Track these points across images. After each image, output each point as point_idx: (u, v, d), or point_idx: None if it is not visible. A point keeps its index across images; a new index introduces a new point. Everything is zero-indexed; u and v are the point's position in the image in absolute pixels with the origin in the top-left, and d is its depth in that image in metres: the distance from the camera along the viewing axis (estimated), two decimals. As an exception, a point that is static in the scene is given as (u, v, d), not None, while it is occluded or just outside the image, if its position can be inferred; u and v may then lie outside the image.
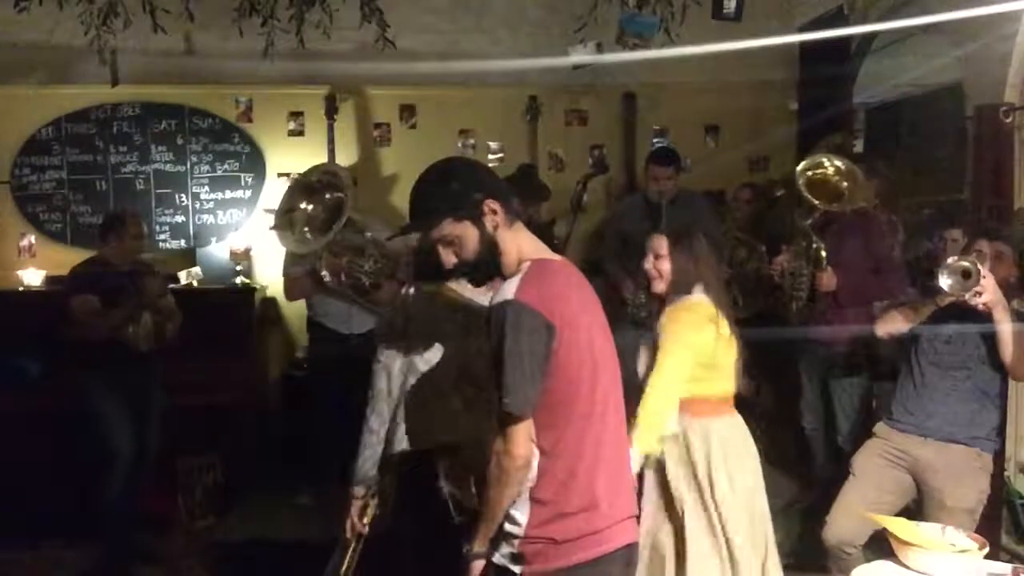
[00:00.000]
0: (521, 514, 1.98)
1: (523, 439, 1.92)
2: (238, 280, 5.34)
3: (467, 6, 5.46)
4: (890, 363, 3.88)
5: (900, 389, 3.31)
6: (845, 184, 3.99)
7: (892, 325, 3.28)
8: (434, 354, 2.49)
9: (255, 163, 5.57)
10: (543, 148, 5.61)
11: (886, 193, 4.56)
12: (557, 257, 2.11)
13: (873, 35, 4.86)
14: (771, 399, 4.75)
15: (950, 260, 2.97)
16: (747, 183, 5.25)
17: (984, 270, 2.94)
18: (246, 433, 4.96)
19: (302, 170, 5.31)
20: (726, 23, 4.39)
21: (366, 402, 2.64)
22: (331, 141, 5.20)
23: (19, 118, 5.43)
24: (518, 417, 1.91)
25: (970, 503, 3.10)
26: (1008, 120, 3.97)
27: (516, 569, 1.99)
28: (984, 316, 2.99)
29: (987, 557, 2.57)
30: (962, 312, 3.03)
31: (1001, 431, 3.29)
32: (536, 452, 1.96)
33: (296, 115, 5.57)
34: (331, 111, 5.26)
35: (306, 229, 4.25)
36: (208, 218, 5.57)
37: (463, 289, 2.40)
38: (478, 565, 2.03)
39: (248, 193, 5.58)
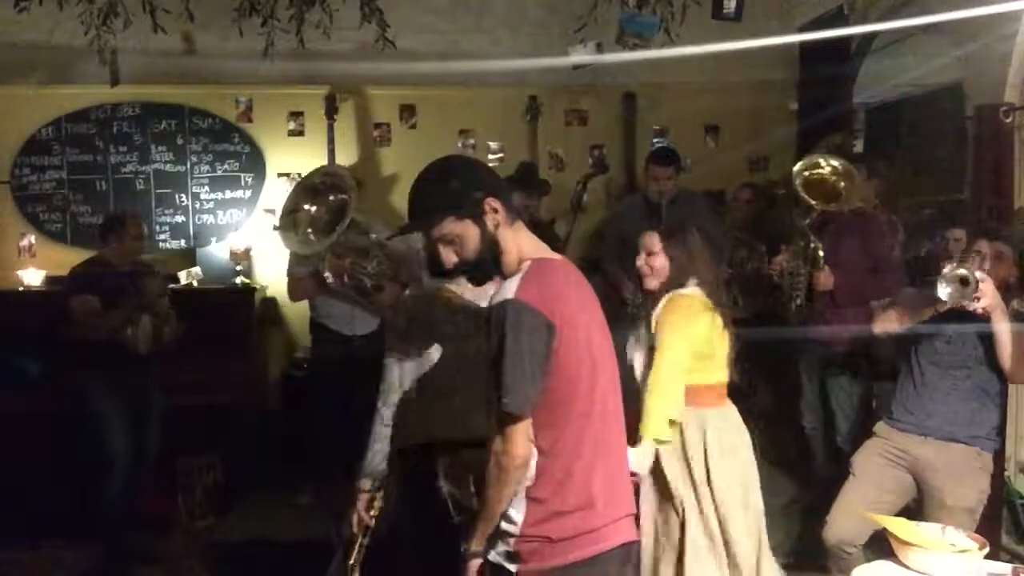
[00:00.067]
0: (517, 513, 1.98)
1: (522, 439, 1.92)
2: (238, 280, 5.34)
3: (467, 6, 5.46)
4: (889, 363, 3.89)
5: (900, 388, 3.31)
6: (842, 184, 4.00)
7: (890, 324, 3.28)
8: (437, 353, 2.50)
9: (255, 163, 5.57)
10: (543, 148, 5.60)
11: (886, 193, 4.56)
12: (557, 256, 2.11)
13: (873, 35, 4.86)
14: (770, 399, 4.76)
15: (946, 270, 2.97)
16: (747, 183, 5.24)
17: (982, 274, 2.94)
18: (246, 433, 4.96)
19: (302, 170, 5.34)
20: (726, 23, 4.39)
21: (367, 403, 2.66)
22: (331, 141, 5.20)
23: (19, 118, 5.42)
24: (517, 416, 1.90)
25: (970, 502, 3.10)
26: (1008, 120, 3.97)
27: (512, 567, 1.99)
28: (983, 318, 3.00)
29: (987, 557, 2.57)
30: (961, 313, 3.02)
31: (1001, 430, 3.30)
32: (534, 451, 1.95)
33: (296, 115, 5.57)
34: (331, 111, 5.26)
35: (309, 230, 4.25)
36: (208, 218, 5.57)
37: (464, 290, 2.40)
38: (475, 564, 2.03)
39: (248, 193, 5.58)
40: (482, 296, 2.22)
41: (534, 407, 1.92)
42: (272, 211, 5.51)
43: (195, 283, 4.98)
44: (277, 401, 5.41)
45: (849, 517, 3.18)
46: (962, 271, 2.93)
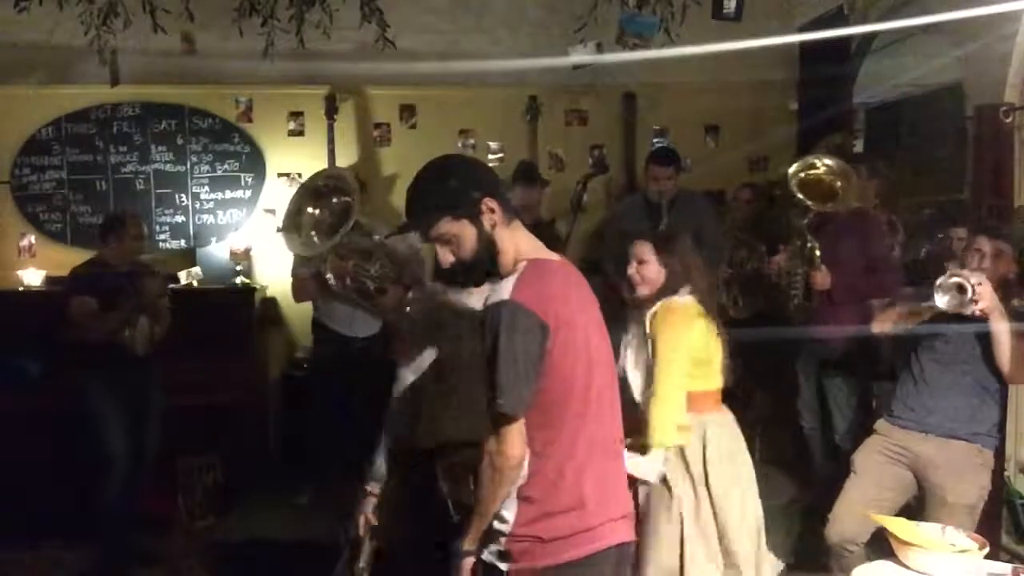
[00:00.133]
0: (509, 512, 1.98)
1: (516, 439, 1.92)
2: (238, 280, 5.34)
3: (467, 6, 5.46)
4: (887, 362, 3.90)
5: (900, 385, 3.32)
6: (838, 184, 4.01)
7: (889, 324, 3.28)
8: (432, 355, 2.51)
9: (255, 163, 5.57)
10: (543, 148, 5.60)
11: (886, 193, 4.57)
12: (555, 256, 2.11)
13: (873, 35, 4.86)
14: (769, 400, 4.76)
15: (940, 280, 2.98)
16: (747, 183, 5.24)
17: (980, 276, 2.94)
18: (246, 433, 4.96)
19: (302, 170, 5.37)
20: (726, 23, 4.39)
21: (366, 404, 2.67)
22: (331, 141, 5.20)
23: (19, 118, 5.42)
24: (511, 417, 1.91)
25: (971, 499, 3.11)
26: (1008, 120, 3.97)
27: (503, 567, 1.99)
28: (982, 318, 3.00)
29: (987, 557, 2.57)
30: (960, 314, 3.03)
31: (1002, 427, 3.30)
32: (527, 451, 1.96)
33: (296, 115, 5.57)
34: (331, 111, 5.26)
35: (313, 233, 4.27)
36: (208, 218, 5.57)
37: (470, 296, 2.40)
38: (468, 562, 2.03)
39: (248, 193, 5.58)
40: (476, 301, 2.23)
41: (528, 408, 1.92)
42: (272, 211, 5.52)
43: (195, 283, 4.99)
44: (277, 401, 5.41)
45: (851, 515, 3.18)
46: (957, 279, 2.94)
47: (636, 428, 2.74)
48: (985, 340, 3.07)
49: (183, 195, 5.55)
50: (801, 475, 4.47)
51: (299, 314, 5.29)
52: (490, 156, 5.59)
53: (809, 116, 5.16)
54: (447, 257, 2.04)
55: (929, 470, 3.16)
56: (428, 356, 2.52)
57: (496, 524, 2.00)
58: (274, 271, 5.45)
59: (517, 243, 2.05)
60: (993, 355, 3.06)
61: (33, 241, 5.47)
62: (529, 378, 1.90)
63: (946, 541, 2.62)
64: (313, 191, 4.36)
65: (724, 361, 2.92)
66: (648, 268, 2.90)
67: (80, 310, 4.02)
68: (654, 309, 2.87)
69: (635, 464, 2.66)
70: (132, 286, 4.10)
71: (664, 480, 2.84)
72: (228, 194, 5.57)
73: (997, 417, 3.20)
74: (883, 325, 3.31)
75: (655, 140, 5.63)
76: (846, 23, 4.77)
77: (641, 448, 2.73)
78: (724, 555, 2.84)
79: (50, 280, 5.15)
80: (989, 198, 4.06)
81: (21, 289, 5.21)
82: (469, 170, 2.09)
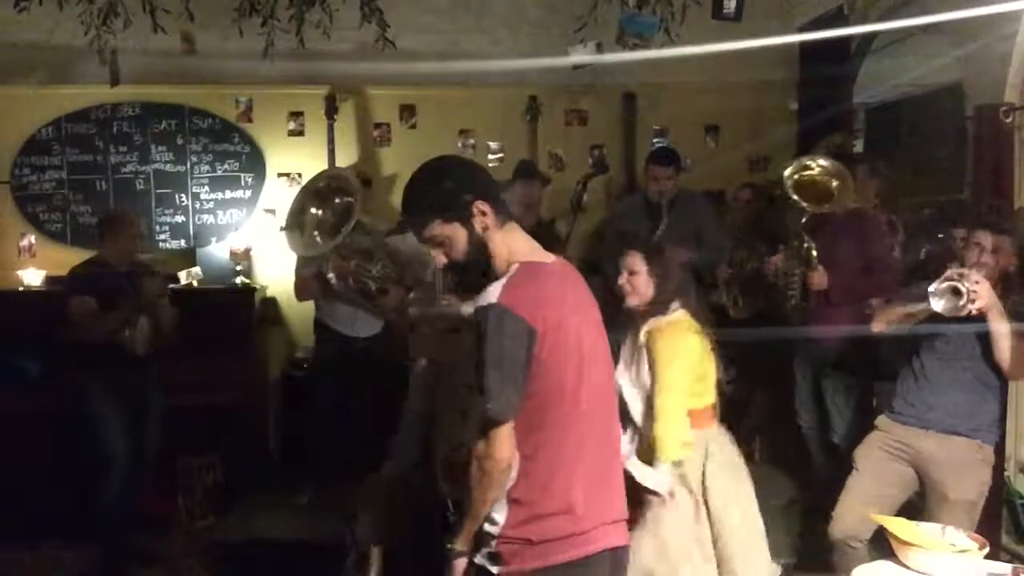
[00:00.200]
0: (499, 514, 1.99)
1: (505, 442, 1.92)
2: (238, 280, 5.34)
3: (467, 6, 5.46)
4: (885, 362, 3.90)
5: (901, 381, 3.32)
6: (834, 184, 4.02)
7: (888, 323, 3.29)
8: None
9: (255, 163, 5.57)
10: (543, 148, 5.60)
11: (886, 193, 4.57)
12: (551, 258, 2.10)
13: (873, 35, 4.85)
14: (768, 402, 4.77)
15: (932, 287, 2.98)
16: (747, 183, 5.24)
17: (977, 275, 2.94)
18: (246, 433, 4.96)
19: (302, 170, 5.38)
20: (726, 23, 4.39)
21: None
22: (331, 141, 5.20)
23: (19, 118, 5.42)
24: (499, 420, 1.91)
25: (972, 495, 3.12)
26: (1008, 120, 3.97)
27: (494, 569, 1.99)
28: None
29: (987, 557, 2.57)
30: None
31: (1002, 422, 3.31)
32: (516, 453, 1.96)
33: (296, 115, 5.57)
34: (331, 111, 5.26)
35: (316, 233, 4.27)
36: (208, 218, 5.57)
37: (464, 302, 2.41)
38: (460, 563, 2.04)
39: (248, 193, 5.57)
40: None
41: (516, 411, 1.92)
42: (272, 211, 5.52)
43: (195, 283, 4.98)
44: (277, 401, 5.41)
45: (853, 511, 3.20)
46: (951, 283, 2.94)
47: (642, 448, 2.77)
48: (985, 337, 3.06)
49: (183, 195, 5.55)
50: (801, 475, 4.47)
51: (299, 314, 5.29)
52: (490, 156, 5.59)
53: (809, 116, 5.16)
54: (440, 258, 2.06)
55: (930, 466, 3.16)
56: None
57: (487, 526, 2.00)
58: (274, 271, 5.45)
59: (511, 245, 2.05)
60: (993, 351, 3.06)
61: (33, 241, 5.47)
62: (516, 382, 1.91)
63: (946, 541, 2.62)
64: (316, 191, 4.37)
65: (718, 377, 2.93)
66: (638, 279, 2.90)
67: (80, 310, 4.02)
68: (648, 328, 2.87)
69: (646, 476, 2.66)
70: (132, 286, 4.10)
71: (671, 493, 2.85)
72: (228, 194, 5.57)
73: (997, 413, 3.21)
74: (882, 324, 3.31)
75: (655, 140, 5.63)
76: (846, 23, 4.77)
77: (648, 465, 2.75)
78: (722, 564, 2.85)
79: (50, 280, 5.15)
80: (989, 198, 4.06)
81: (21, 289, 5.21)
82: (461, 173, 2.09)
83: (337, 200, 4.33)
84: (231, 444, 4.83)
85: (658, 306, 2.89)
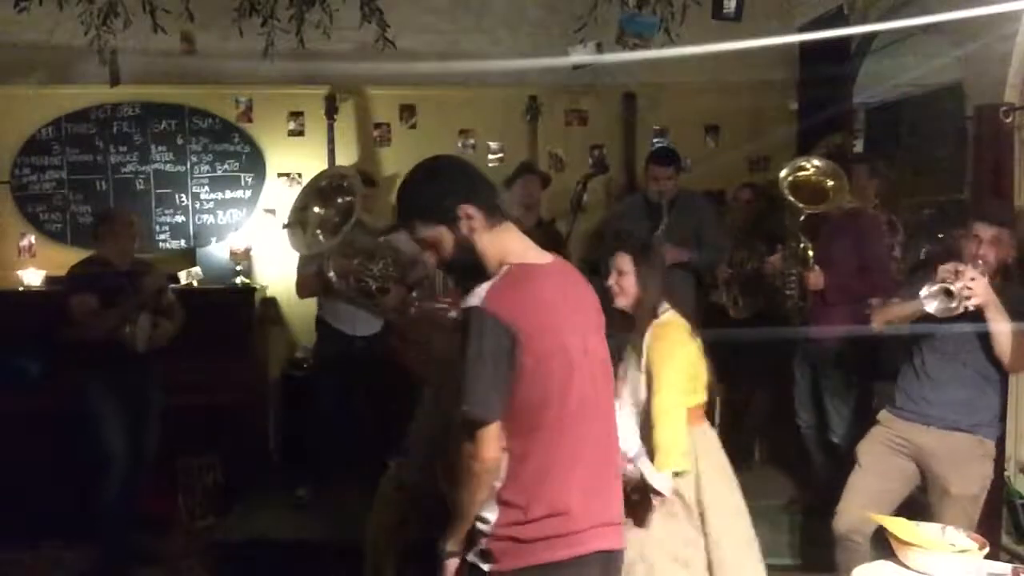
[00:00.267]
0: (490, 513, 1.99)
1: (490, 443, 1.93)
2: (238, 280, 5.34)
3: (467, 6, 5.46)
4: (882, 360, 3.91)
5: (902, 377, 3.33)
6: (829, 183, 4.03)
7: (888, 321, 3.29)
8: None
9: (255, 163, 5.57)
10: (543, 148, 5.60)
11: (886, 193, 4.57)
12: (549, 258, 2.09)
13: (873, 35, 4.85)
14: (768, 401, 4.77)
15: (923, 291, 2.98)
16: (747, 183, 5.24)
17: (973, 272, 2.94)
18: (246, 433, 4.96)
19: (302, 170, 5.39)
20: (726, 23, 4.39)
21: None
22: (331, 141, 5.21)
23: (19, 118, 5.42)
24: (482, 421, 1.92)
25: (974, 489, 3.13)
26: (1008, 120, 3.96)
27: (485, 567, 2.00)
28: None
29: (987, 557, 2.57)
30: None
31: (1003, 416, 3.32)
32: (506, 455, 1.96)
33: (296, 115, 5.57)
34: (331, 111, 5.27)
35: (319, 231, 4.28)
36: (208, 218, 5.57)
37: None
38: (452, 563, 2.05)
39: (248, 193, 5.57)
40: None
41: (499, 412, 1.92)
42: (272, 211, 5.52)
43: (195, 283, 4.98)
44: (277, 401, 5.41)
45: (856, 506, 3.20)
46: (943, 284, 2.94)
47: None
48: (985, 333, 3.06)
49: (183, 195, 5.55)
50: (801, 475, 4.47)
51: (299, 314, 5.29)
52: (490, 156, 5.59)
53: (809, 116, 5.15)
54: (432, 259, 2.10)
55: (931, 461, 3.18)
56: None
57: (478, 525, 2.01)
58: (274, 271, 5.45)
59: (503, 246, 2.04)
60: (993, 346, 3.06)
61: (33, 241, 5.47)
62: (496, 384, 1.91)
63: (946, 541, 2.62)
64: (319, 190, 4.37)
65: (709, 377, 2.94)
66: (627, 279, 2.91)
67: (81, 308, 4.02)
68: (648, 338, 2.86)
69: (654, 476, 2.66)
70: (131, 284, 4.10)
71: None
72: (228, 194, 5.57)
73: (999, 407, 3.23)
74: (881, 323, 3.31)
75: (655, 140, 5.63)
76: (846, 23, 4.77)
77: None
78: (714, 567, 2.85)
79: (50, 280, 5.15)
80: (989, 198, 4.06)
81: (21, 289, 5.21)
82: (449, 176, 2.09)
83: (340, 200, 4.33)
84: (231, 444, 4.83)
85: (648, 309, 2.88)
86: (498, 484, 1.97)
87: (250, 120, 5.57)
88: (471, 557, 2.03)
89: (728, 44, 4.04)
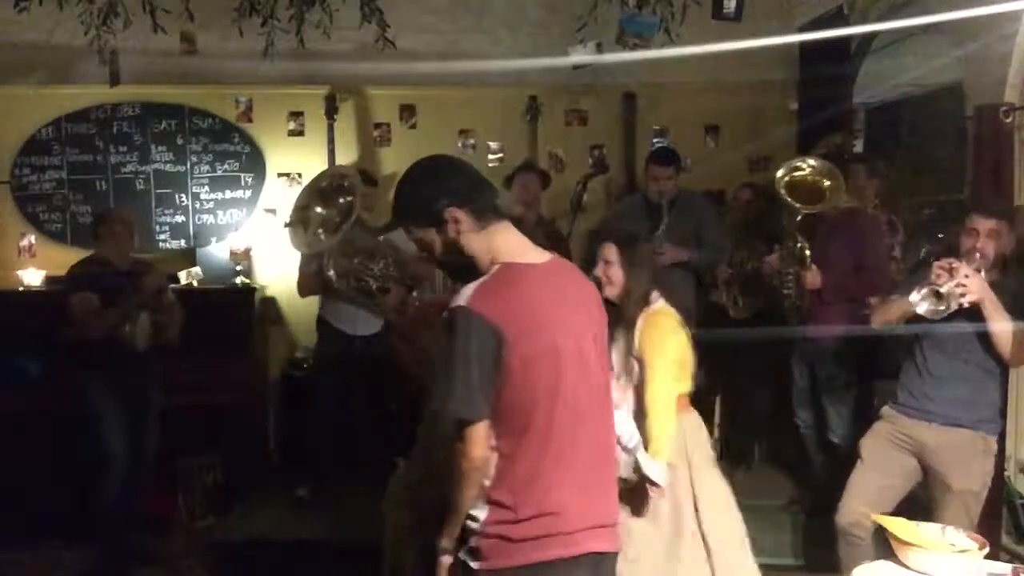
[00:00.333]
0: (480, 512, 1.99)
1: (477, 442, 1.93)
2: (238, 280, 5.34)
3: (467, 6, 5.46)
4: (881, 359, 3.91)
5: (904, 373, 3.34)
6: (826, 183, 4.04)
7: (887, 319, 3.29)
8: None
9: (255, 163, 5.57)
10: (543, 148, 5.60)
11: (886, 193, 4.57)
12: (546, 257, 2.09)
13: (873, 35, 4.85)
14: (767, 401, 4.77)
15: (913, 295, 2.98)
16: (747, 183, 5.24)
17: (967, 269, 2.94)
18: (246, 433, 4.96)
19: (302, 170, 5.39)
20: (726, 23, 4.39)
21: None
22: (331, 141, 5.21)
23: (19, 118, 5.42)
24: (468, 421, 1.92)
25: (975, 485, 3.14)
26: (1008, 120, 3.97)
27: (474, 565, 2.00)
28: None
29: (987, 557, 2.57)
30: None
31: (1004, 412, 3.32)
32: (495, 454, 1.97)
33: (296, 115, 5.57)
34: (331, 111, 5.27)
35: (320, 231, 4.28)
36: (208, 218, 5.57)
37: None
38: (445, 560, 2.05)
39: (248, 193, 5.58)
40: None
41: (484, 412, 1.93)
42: (272, 211, 5.52)
43: (195, 283, 4.98)
44: (277, 401, 5.41)
45: (859, 500, 3.21)
46: (934, 286, 2.95)
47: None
48: (985, 328, 3.06)
49: (183, 195, 5.55)
50: (801, 474, 4.48)
51: (299, 314, 5.29)
52: (490, 156, 5.60)
53: (809, 116, 5.16)
54: (427, 259, 2.16)
55: (933, 458, 3.18)
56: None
57: (469, 523, 2.01)
58: (274, 271, 5.45)
59: (494, 246, 2.04)
60: (993, 340, 3.06)
61: (33, 241, 5.47)
62: (481, 384, 1.91)
63: (946, 541, 2.62)
64: (320, 190, 4.38)
65: (693, 370, 2.95)
66: (613, 269, 2.92)
67: (82, 307, 4.01)
68: (639, 326, 2.87)
69: (651, 467, 2.66)
70: (131, 283, 4.10)
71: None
72: (228, 194, 5.57)
73: (1000, 402, 3.23)
74: (880, 322, 3.32)
75: (655, 140, 5.63)
76: (846, 23, 4.77)
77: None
78: (712, 557, 2.85)
79: (50, 280, 5.15)
80: (989, 198, 4.07)
81: (21, 289, 5.21)
82: (437, 178, 2.08)
83: (341, 200, 4.34)
84: (231, 444, 4.83)
85: (638, 298, 2.89)
86: (488, 483, 1.98)
87: (250, 120, 5.57)
88: (461, 555, 2.04)
89: (728, 44, 4.04)
